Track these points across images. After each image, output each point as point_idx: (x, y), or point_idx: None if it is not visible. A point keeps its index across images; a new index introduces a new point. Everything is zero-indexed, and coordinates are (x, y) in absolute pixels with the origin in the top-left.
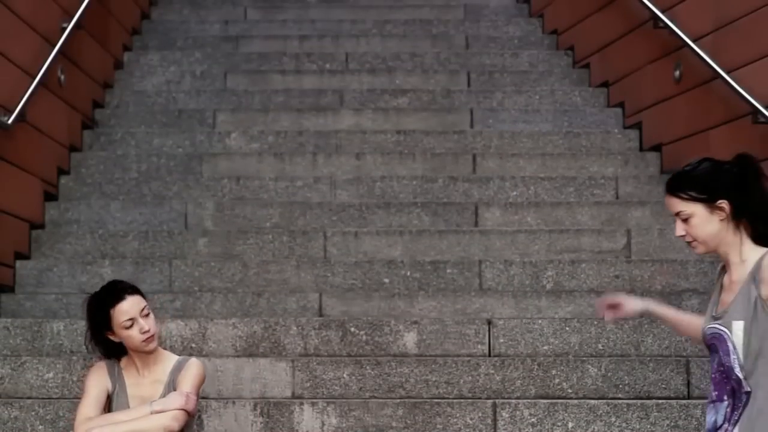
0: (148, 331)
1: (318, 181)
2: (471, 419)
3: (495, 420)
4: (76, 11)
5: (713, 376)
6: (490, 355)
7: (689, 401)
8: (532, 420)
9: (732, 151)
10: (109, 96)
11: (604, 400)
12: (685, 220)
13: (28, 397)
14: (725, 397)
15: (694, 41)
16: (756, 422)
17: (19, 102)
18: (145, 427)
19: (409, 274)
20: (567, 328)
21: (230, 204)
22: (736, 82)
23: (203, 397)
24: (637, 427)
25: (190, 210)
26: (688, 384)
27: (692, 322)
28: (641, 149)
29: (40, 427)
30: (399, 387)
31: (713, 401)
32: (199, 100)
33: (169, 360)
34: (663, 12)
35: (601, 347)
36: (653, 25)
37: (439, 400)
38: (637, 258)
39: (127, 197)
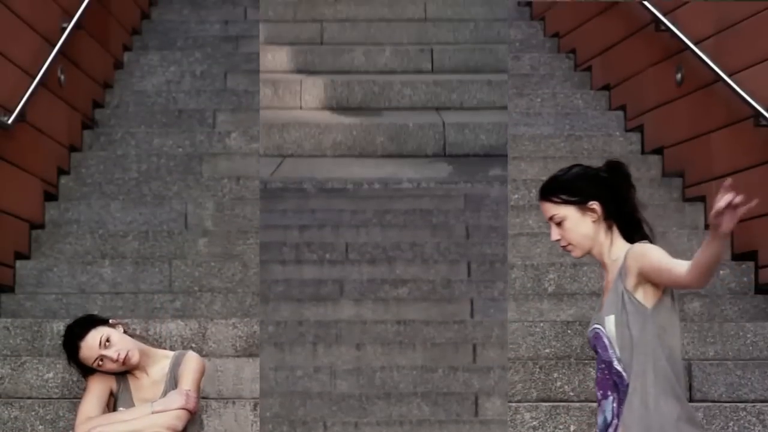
0: (117, 358)
1: (318, 371)
2: None
3: None
4: (76, 11)
5: (597, 376)
6: None
7: (691, 404)
8: (534, 423)
9: (734, 154)
10: (109, 96)
11: None
12: (559, 224)
13: (28, 397)
14: (609, 393)
15: (695, 44)
16: (635, 413)
17: (19, 102)
18: (146, 426)
19: None
20: (569, 331)
21: (230, 204)
22: (737, 85)
23: (203, 397)
24: None
25: (190, 210)
26: (690, 387)
27: None
28: (643, 152)
29: (40, 427)
30: None
31: (599, 402)
32: (199, 100)
33: (165, 358)
34: (664, 15)
35: None
36: (655, 28)
37: None
38: None
39: (127, 197)
